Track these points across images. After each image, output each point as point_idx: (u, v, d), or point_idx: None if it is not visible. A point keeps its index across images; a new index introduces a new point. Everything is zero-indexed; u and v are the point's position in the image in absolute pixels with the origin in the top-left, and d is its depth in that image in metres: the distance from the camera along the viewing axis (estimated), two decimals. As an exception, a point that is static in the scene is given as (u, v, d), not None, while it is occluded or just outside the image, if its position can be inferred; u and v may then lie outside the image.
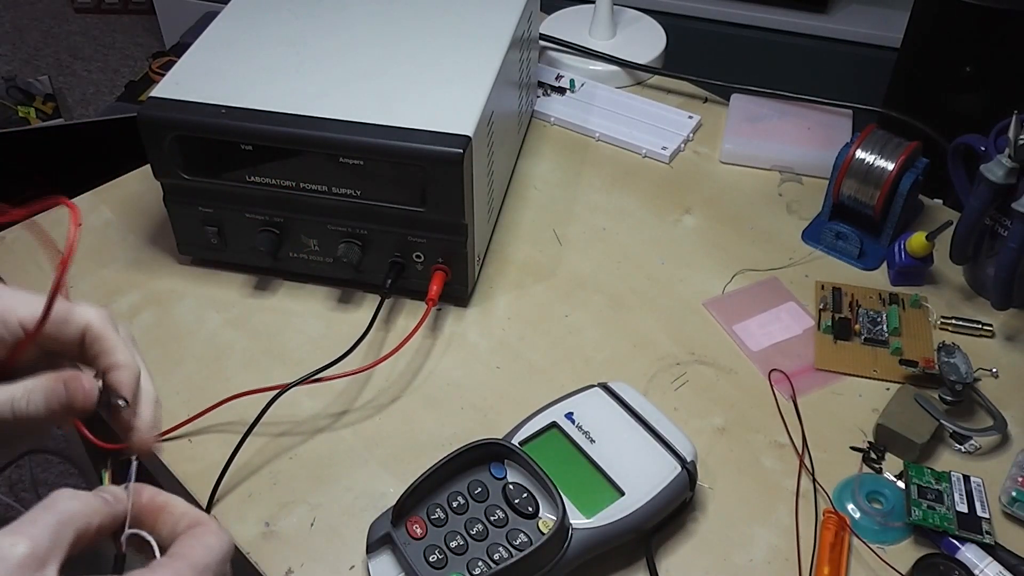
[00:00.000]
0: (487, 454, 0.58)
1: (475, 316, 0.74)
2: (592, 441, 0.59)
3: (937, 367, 0.67)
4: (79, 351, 0.45)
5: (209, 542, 0.40)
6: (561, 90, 0.96)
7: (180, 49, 1.90)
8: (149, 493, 0.42)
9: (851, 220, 0.80)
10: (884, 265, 0.78)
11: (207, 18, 0.99)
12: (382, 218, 0.69)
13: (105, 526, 0.39)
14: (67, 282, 0.43)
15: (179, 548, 0.39)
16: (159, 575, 0.38)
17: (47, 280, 0.75)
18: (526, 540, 0.55)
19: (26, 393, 0.42)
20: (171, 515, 0.41)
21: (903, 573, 0.57)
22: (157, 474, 0.65)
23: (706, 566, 0.58)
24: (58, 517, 0.37)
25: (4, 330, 0.44)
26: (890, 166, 0.76)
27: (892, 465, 0.64)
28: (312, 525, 0.60)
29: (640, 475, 0.57)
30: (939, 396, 0.66)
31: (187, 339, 0.71)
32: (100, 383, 0.44)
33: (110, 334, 0.44)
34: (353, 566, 0.58)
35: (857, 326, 0.72)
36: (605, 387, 0.63)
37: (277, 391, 0.63)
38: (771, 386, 0.69)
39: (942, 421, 0.64)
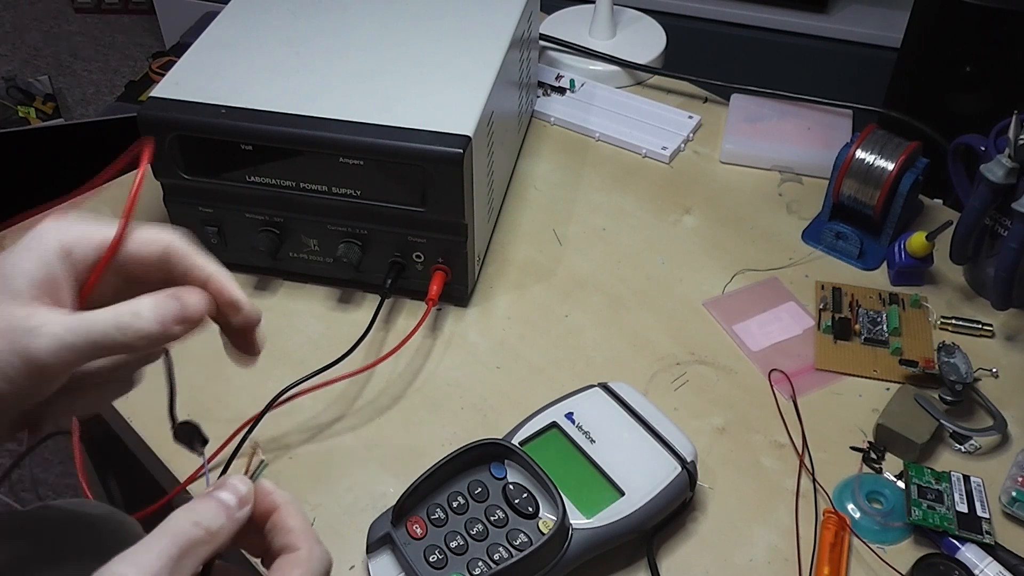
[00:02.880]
0: (487, 454, 0.58)
1: (475, 316, 0.74)
2: (592, 441, 0.59)
3: (937, 367, 0.67)
4: (161, 274, 0.42)
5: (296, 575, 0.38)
6: (561, 90, 0.96)
7: (180, 49, 1.90)
8: (264, 493, 0.40)
9: (851, 220, 0.80)
10: (884, 265, 0.78)
11: (207, 18, 0.99)
12: (382, 218, 0.69)
13: (227, 542, 0.38)
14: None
15: None
16: None
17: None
18: (526, 540, 0.55)
19: (130, 310, 0.39)
20: (274, 524, 0.39)
21: (903, 573, 0.57)
22: (157, 473, 0.65)
23: (706, 566, 0.58)
24: (178, 545, 0.35)
25: (89, 249, 0.41)
26: (890, 166, 0.76)
27: (892, 465, 0.64)
28: (312, 525, 0.59)
29: (640, 475, 0.57)
30: (939, 396, 0.66)
31: (187, 339, 0.71)
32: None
33: (192, 251, 0.42)
34: (353, 566, 0.58)
35: (857, 326, 0.72)
36: (605, 387, 0.63)
37: (278, 394, 0.63)
38: (771, 386, 0.69)
39: (942, 421, 0.64)
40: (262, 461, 0.41)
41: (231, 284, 0.42)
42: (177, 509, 0.37)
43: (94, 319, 0.38)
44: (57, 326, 0.38)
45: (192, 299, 0.40)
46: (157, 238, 0.42)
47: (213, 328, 0.74)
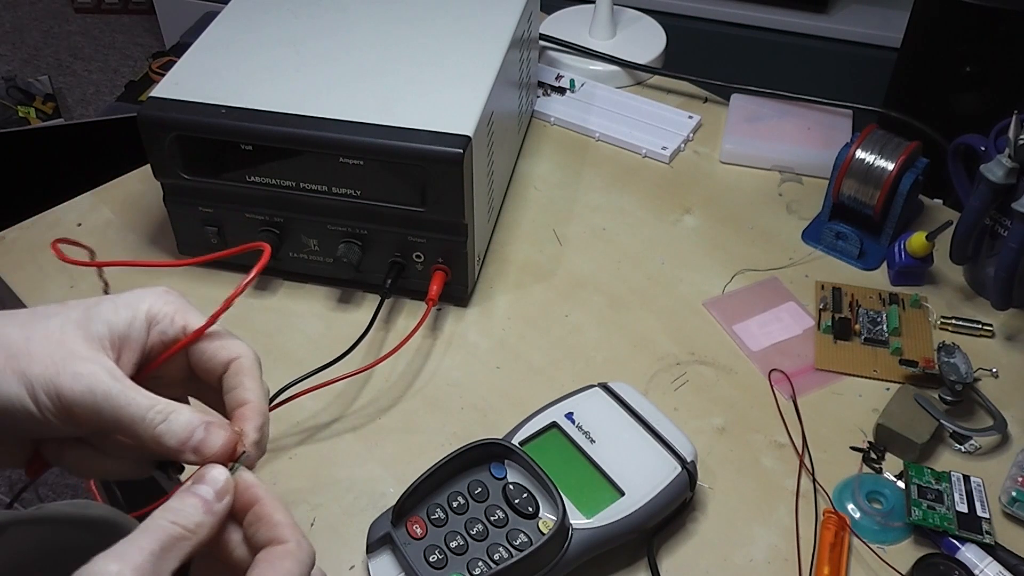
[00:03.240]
0: (487, 454, 0.58)
1: (475, 316, 0.74)
2: (592, 441, 0.59)
3: (937, 367, 0.67)
4: (218, 380, 0.44)
5: (286, 567, 0.38)
6: (561, 90, 0.96)
7: (180, 49, 1.90)
8: (244, 486, 0.40)
9: (851, 220, 0.80)
10: (884, 265, 0.78)
11: (207, 18, 0.99)
12: (382, 218, 0.69)
13: (210, 534, 0.38)
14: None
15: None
16: None
17: (46, 281, 0.75)
18: (526, 540, 0.55)
19: (165, 412, 0.40)
20: (257, 517, 0.39)
21: (903, 573, 0.57)
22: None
23: (706, 566, 0.58)
24: (160, 541, 0.36)
25: (169, 327, 0.43)
26: (890, 166, 0.76)
27: (892, 465, 0.64)
28: (312, 525, 0.60)
29: (640, 475, 0.57)
30: (939, 396, 0.66)
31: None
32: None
33: (255, 374, 0.44)
34: (353, 566, 0.58)
35: (857, 326, 0.72)
36: (605, 387, 0.63)
37: (276, 394, 0.63)
38: (771, 386, 0.69)
39: (942, 421, 0.64)
40: (242, 452, 0.41)
41: (257, 421, 0.43)
42: (159, 508, 0.37)
43: (130, 399, 0.39)
44: (98, 384, 0.39)
45: (217, 442, 0.41)
46: (231, 348, 0.44)
47: (212, 329, 0.74)
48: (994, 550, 0.58)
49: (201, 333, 0.43)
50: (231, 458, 0.41)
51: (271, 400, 0.63)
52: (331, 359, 0.66)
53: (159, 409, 0.40)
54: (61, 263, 0.76)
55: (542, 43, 1.00)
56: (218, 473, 0.39)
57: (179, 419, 0.40)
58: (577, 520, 0.55)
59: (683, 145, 0.91)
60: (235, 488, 0.40)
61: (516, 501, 0.56)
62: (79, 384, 0.39)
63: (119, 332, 0.41)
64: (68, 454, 0.43)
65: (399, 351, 0.67)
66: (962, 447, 0.65)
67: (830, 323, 0.73)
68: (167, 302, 0.44)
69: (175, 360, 0.44)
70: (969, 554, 0.58)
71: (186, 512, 0.37)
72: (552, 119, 0.93)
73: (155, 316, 0.43)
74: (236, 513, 0.40)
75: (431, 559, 0.54)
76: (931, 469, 0.62)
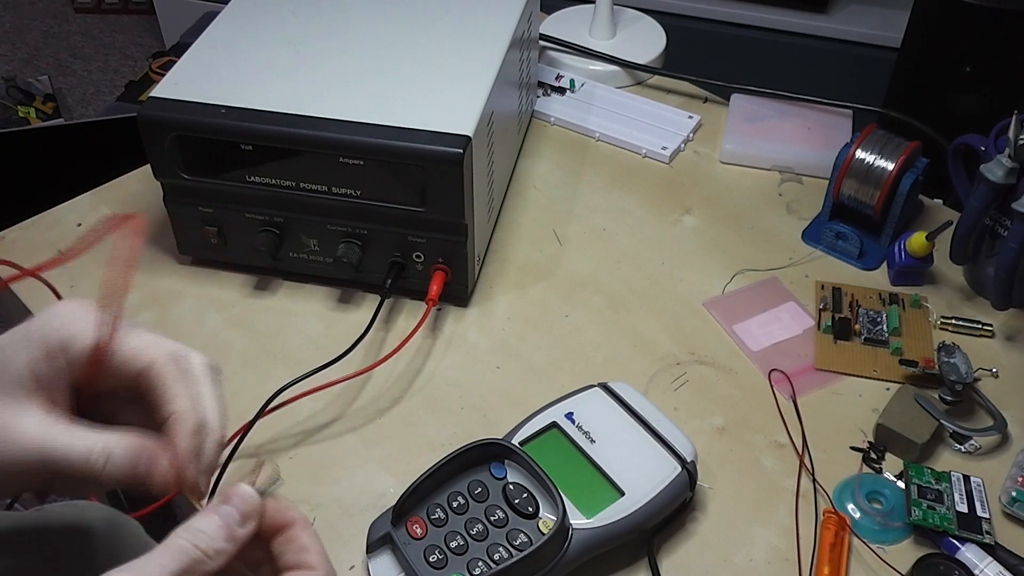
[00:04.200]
0: (487, 454, 0.58)
1: (475, 316, 0.74)
2: (592, 441, 0.59)
3: (937, 367, 0.67)
4: (138, 392, 0.42)
5: None
6: (561, 90, 0.96)
7: (180, 49, 1.90)
8: (280, 509, 0.39)
9: (851, 220, 0.80)
10: (884, 265, 0.78)
11: (207, 18, 0.99)
12: (382, 218, 0.69)
13: (229, 558, 0.38)
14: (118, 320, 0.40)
15: None
16: None
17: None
18: (526, 540, 0.55)
19: (106, 451, 0.38)
20: (288, 538, 0.39)
21: (903, 573, 0.57)
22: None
23: (706, 566, 0.58)
24: (180, 562, 0.35)
25: (79, 350, 0.40)
26: (890, 166, 0.76)
27: (892, 465, 0.64)
28: (312, 525, 0.60)
29: (640, 475, 0.57)
30: (939, 396, 0.66)
31: (187, 339, 0.70)
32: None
33: (168, 381, 0.41)
34: (353, 566, 0.58)
35: (857, 326, 0.72)
36: (605, 387, 0.63)
37: (274, 394, 0.63)
38: (771, 386, 0.69)
39: (942, 421, 0.64)
40: (278, 478, 0.40)
41: (188, 433, 0.40)
42: (180, 527, 0.37)
43: (67, 448, 0.38)
44: (31, 441, 0.38)
45: (160, 470, 0.39)
46: (136, 360, 0.41)
47: (213, 328, 0.74)
48: (994, 550, 0.58)
49: (103, 347, 0.40)
50: (178, 482, 0.39)
51: (270, 400, 0.63)
52: (331, 359, 0.65)
53: (98, 449, 0.39)
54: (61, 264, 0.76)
55: (542, 43, 1.00)
56: (247, 495, 0.39)
57: (117, 459, 0.39)
58: (577, 520, 0.55)
59: (683, 145, 0.91)
60: (267, 510, 0.39)
61: (516, 501, 0.56)
62: (14, 451, 0.37)
63: (38, 376, 0.39)
64: (57, 480, 0.42)
65: (399, 351, 0.67)
66: (962, 447, 0.65)
67: (830, 323, 0.73)
68: (74, 319, 0.40)
69: (95, 380, 0.41)
70: (969, 554, 0.58)
71: (208, 536, 0.37)
72: (552, 119, 0.93)
73: (64, 340, 0.40)
74: (264, 532, 0.39)
75: (431, 559, 0.54)
76: (931, 469, 0.62)
